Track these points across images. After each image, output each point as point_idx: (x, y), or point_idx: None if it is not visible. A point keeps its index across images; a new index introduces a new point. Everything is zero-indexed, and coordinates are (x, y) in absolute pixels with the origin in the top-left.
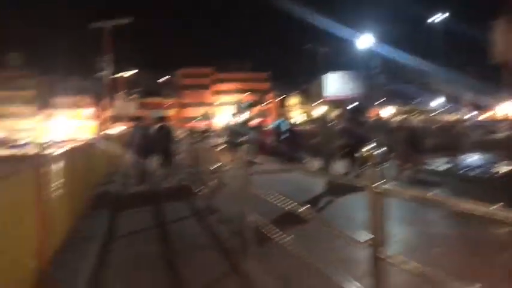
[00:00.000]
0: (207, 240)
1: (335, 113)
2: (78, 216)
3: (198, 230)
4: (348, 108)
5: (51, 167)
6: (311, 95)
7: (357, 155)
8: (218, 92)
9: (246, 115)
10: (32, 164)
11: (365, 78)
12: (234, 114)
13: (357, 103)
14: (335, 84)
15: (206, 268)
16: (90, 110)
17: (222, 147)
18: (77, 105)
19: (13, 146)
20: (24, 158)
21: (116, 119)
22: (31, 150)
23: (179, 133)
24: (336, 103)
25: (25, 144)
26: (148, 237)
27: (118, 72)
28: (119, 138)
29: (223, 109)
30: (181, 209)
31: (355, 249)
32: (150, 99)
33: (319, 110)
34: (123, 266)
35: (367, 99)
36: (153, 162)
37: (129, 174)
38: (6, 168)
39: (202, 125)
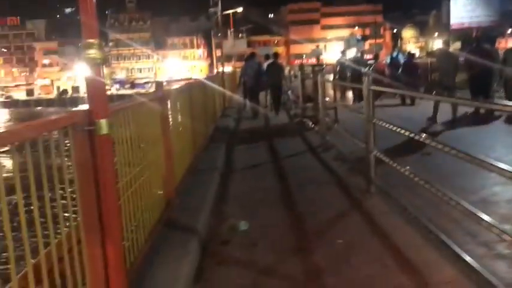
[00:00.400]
0: (324, 176)
1: (457, 44)
2: (199, 148)
3: (314, 166)
4: (474, 37)
5: (171, 103)
6: (428, 26)
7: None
8: (328, 27)
9: (358, 50)
10: (155, 99)
11: (498, 3)
12: (344, 50)
13: (486, 32)
14: (460, 11)
15: (325, 204)
16: (201, 50)
17: (335, 83)
18: (189, 46)
19: (134, 85)
20: (146, 96)
21: (226, 58)
22: (151, 89)
23: (289, 69)
24: (460, 32)
25: (145, 83)
26: (264, 171)
27: (227, 10)
28: (230, 76)
29: (334, 44)
30: (294, 145)
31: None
32: (258, 37)
33: (437, 42)
34: (241, 198)
35: (498, 28)
36: (265, 98)
37: (242, 110)
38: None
39: (312, 61)
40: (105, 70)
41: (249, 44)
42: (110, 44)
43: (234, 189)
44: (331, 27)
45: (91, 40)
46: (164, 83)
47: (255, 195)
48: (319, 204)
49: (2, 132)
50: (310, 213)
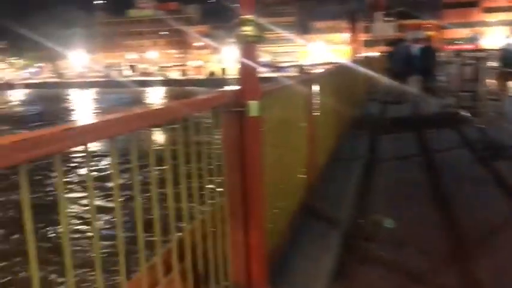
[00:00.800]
0: (484, 175)
1: None
2: (341, 136)
3: (472, 162)
4: None
5: (315, 87)
6: None
7: None
8: (490, 10)
9: None
10: (301, 81)
11: None
12: (510, 35)
13: None
14: None
15: (485, 206)
16: (346, 35)
17: (498, 72)
18: (334, 30)
19: (277, 69)
20: (291, 79)
21: (371, 42)
22: (293, 73)
23: (443, 55)
24: None
25: (288, 66)
26: (412, 164)
27: None
28: (376, 60)
29: (496, 29)
30: (448, 138)
31: None
32: (408, 21)
33: None
34: (386, 192)
35: None
36: (415, 84)
37: (388, 96)
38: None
39: (468, 47)
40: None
41: (398, 29)
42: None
43: (378, 181)
44: (494, 9)
45: (247, 16)
46: (308, 67)
47: (401, 190)
48: (477, 205)
49: (157, 109)
50: (467, 215)
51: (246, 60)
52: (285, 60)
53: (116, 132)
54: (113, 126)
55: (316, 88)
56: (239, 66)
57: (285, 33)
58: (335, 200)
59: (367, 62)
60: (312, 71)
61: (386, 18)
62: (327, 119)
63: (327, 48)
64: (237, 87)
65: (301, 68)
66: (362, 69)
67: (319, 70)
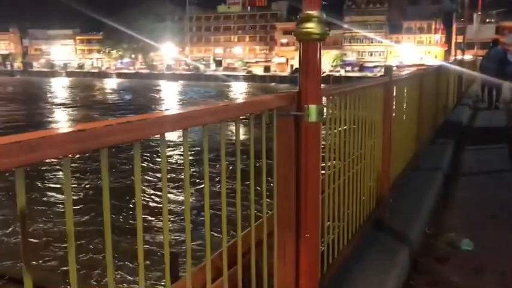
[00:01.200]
0: None
1: None
2: (423, 143)
3: None
4: None
5: (398, 89)
6: None
7: None
8: None
9: None
10: (381, 83)
11: None
12: None
13: None
14: None
15: None
16: (438, 36)
17: None
18: (426, 30)
19: (362, 68)
20: (372, 80)
21: (466, 45)
22: (379, 73)
23: None
24: None
25: (374, 66)
26: (499, 180)
27: None
28: (469, 64)
29: None
30: None
31: None
32: (509, 22)
33: None
34: (467, 209)
35: None
36: (509, 91)
37: (479, 103)
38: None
39: None
40: (335, 51)
41: (498, 30)
42: (345, 26)
43: (459, 196)
44: None
45: (310, 12)
46: (394, 68)
47: (485, 208)
48: None
49: (216, 107)
50: None
51: (306, 59)
52: (371, 60)
53: (172, 128)
54: (171, 121)
55: (398, 91)
56: (299, 66)
57: (374, 32)
58: (408, 213)
59: (460, 65)
60: (398, 72)
61: (486, 20)
62: (407, 125)
63: (417, 49)
64: (296, 89)
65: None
66: (453, 73)
67: (407, 71)
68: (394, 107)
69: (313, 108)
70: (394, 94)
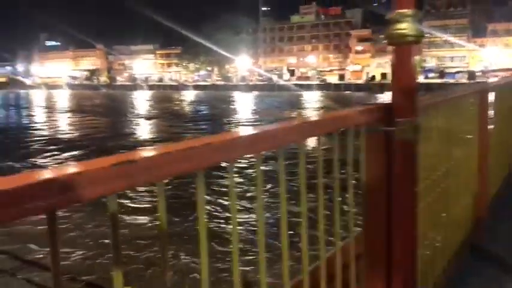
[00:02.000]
0: None
1: None
2: None
3: None
4: None
5: (491, 98)
6: None
7: None
8: None
9: None
10: (474, 91)
11: None
12: None
13: None
14: None
15: None
16: None
17: None
18: None
19: (443, 75)
20: (463, 87)
21: None
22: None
23: None
24: None
25: (456, 72)
26: None
27: None
28: None
29: None
30: None
31: None
32: None
33: None
34: None
35: None
36: None
37: None
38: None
39: None
40: (416, 57)
41: None
42: (424, 30)
43: None
44: None
45: (403, 10)
46: (478, 73)
47: None
48: None
49: (288, 126)
50: None
51: (400, 65)
52: (452, 66)
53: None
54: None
55: (493, 99)
56: (392, 73)
57: (455, 36)
58: (510, 236)
59: None
60: (486, 78)
61: None
62: (506, 136)
63: (504, 53)
64: (388, 101)
65: (471, 74)
66: None
67: (494, 77)
68: (490, 117)
69: (407, 123)
70: (490, 102)
